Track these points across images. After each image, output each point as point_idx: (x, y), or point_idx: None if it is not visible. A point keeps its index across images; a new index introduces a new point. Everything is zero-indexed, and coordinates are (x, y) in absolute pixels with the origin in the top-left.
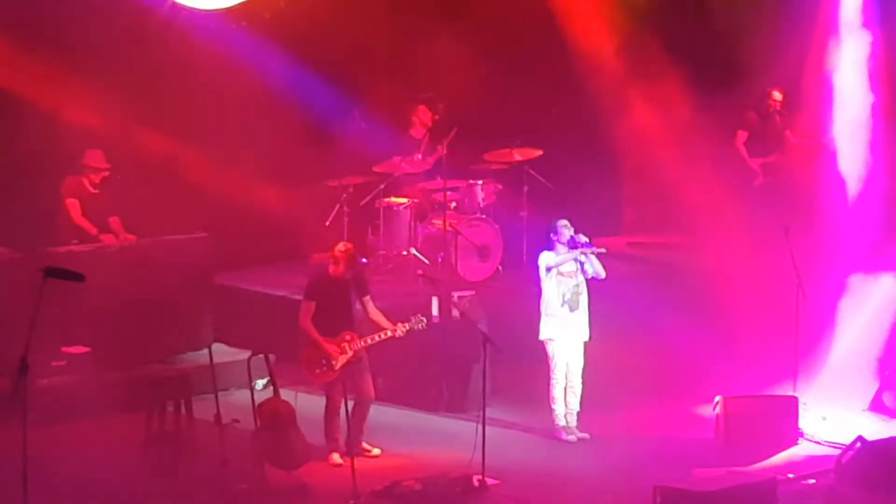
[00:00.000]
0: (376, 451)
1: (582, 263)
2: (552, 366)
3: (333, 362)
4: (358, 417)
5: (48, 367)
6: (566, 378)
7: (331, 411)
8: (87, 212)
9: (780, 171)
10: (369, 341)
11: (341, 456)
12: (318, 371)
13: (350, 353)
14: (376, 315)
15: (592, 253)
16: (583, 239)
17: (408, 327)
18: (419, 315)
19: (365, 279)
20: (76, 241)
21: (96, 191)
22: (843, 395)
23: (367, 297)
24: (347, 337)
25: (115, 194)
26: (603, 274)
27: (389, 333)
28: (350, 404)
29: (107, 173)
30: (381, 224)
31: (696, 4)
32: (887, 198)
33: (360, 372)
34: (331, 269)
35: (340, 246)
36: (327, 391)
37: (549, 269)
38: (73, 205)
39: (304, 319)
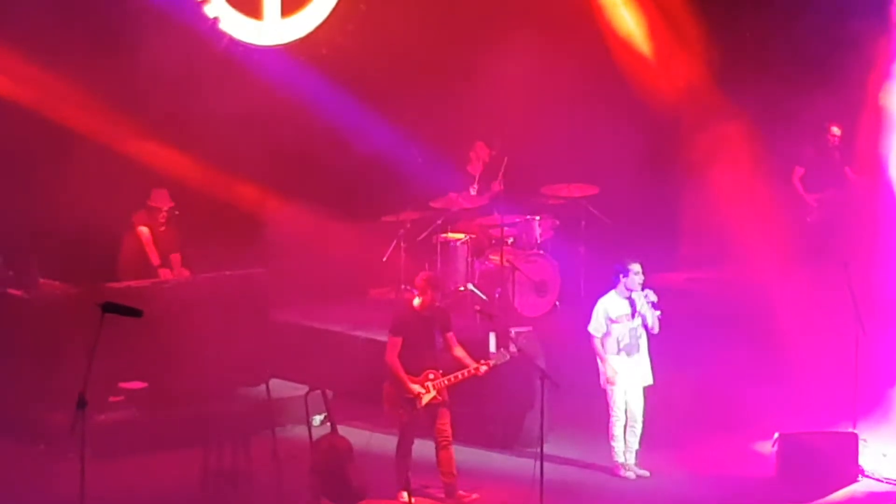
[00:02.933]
0: (475, 496)
1: (643, 315)
2: (611, 404)
3: (417, 402)
4: (445, 461)
5: (106, 403)
6: (626, 416)
7: (403, 450)
8: (154, 245)
9: (836, 207)
10: (452, 380)
11: (410, 495)
12: (400, 411)
13: (433, 393)
14: (459, 352)
15: (654, 312)
16: (652, 298)
17: (492, 363)
18: (502, 350)
19: (448, 315)
20: (134, 275)
21: (163, 228)
22: None
23: (451, 334)
24: (431, 375)
25: (180, 233)
26: (657, 331)
27: (472, 371)
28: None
29: (170, 211)
30: (438, 260)
31: (754, 40)
32: None
33: (440, 411)
34: (416, 302)
35: (421, 275)
36: (402, 429)
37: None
38: (143, 232)
39: (390, 355)
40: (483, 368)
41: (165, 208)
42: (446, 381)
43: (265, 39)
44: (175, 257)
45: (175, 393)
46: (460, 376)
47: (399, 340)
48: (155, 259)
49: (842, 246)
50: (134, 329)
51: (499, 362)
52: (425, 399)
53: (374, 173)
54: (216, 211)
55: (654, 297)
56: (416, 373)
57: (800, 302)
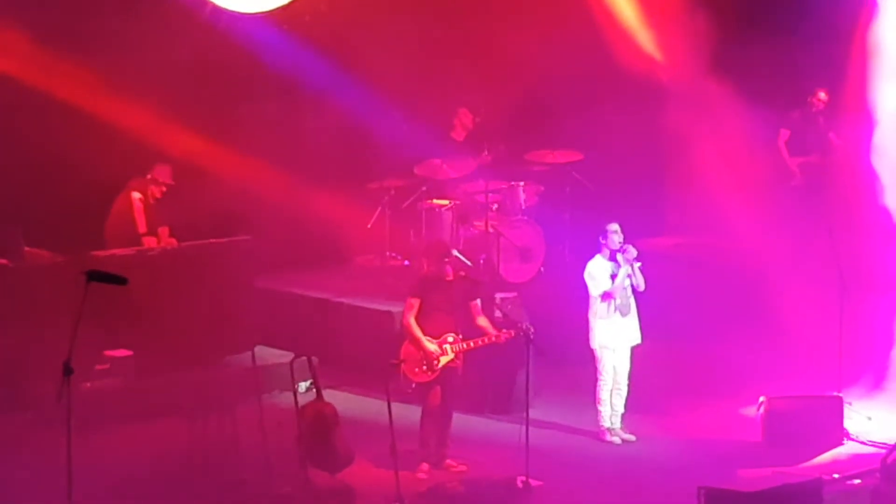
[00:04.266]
0: (462, 468)
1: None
2: (600, 368)
3: (434, 363)
4: (441, 427)
5: (92, 371)
6: (613, 380)
7: (426, 415)
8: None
9: (819, 172)
10: (472, 345)
11: (430, 468)
12: (417, 370)
13: (451, 356)
14: (482, 321)
15: (636, 266)
16: (633, 253)
17: (513, 333)
18: (527, 323)
19: (476, 283)
20: (120, 238)
21: (154, 201)
22: (889, 396)
23: (475, 303)
24: (450, 338)
25: (170, 209)
26: (643, 287)
27: (492, 339)
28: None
29: (168, 189)
30: (423, 226)
31: (738, 7)
32: None
33: (452, 378)
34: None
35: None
36: (422, 394)
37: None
38: (136, 198)
39: (406, 315)
40: (504, 338)
41: (165, 185)
42: (465, 346)
43: (249, 7)
44: (163, 230)
45: (160, 361)
46: (480, 342)
47: (415, 302)
48: (142, 227)
49: (824, 212)
50: (119, 297)
51: (520, 334)
52: (443, 360)
53: (358, 140)
54: (200, 178)
55: (634, 253)
56: (435, 336)
57: (786, 267)
